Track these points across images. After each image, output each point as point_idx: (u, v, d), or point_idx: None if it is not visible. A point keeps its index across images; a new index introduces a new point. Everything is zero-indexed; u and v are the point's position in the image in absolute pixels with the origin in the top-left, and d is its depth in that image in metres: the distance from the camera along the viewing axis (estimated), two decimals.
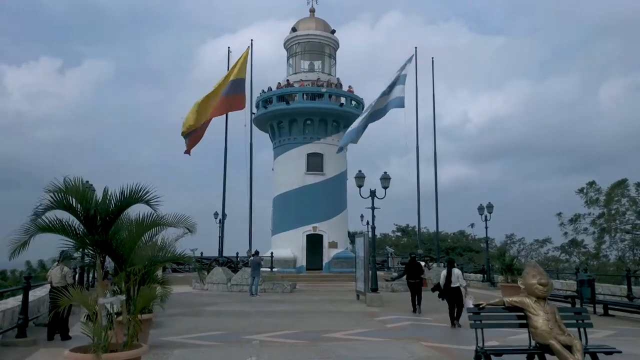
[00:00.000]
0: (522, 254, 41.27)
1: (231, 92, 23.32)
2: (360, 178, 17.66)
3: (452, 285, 12.16)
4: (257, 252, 22.27)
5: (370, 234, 18.59)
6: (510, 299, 7.47)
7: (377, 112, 23.39)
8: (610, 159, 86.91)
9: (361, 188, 17.65)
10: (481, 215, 27.32)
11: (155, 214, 6.21)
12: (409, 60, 25.46)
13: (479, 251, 48.48)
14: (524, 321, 7.29)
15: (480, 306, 7.56)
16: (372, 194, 17.51)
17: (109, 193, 5.96)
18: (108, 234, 5.80)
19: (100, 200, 5.66)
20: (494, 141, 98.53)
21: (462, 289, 12.25)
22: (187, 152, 23.77)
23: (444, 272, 12.56)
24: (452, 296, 12.17)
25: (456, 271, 12.43)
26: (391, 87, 23.98)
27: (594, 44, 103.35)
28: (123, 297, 5.90)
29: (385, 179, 17.92)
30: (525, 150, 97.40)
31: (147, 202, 5.99)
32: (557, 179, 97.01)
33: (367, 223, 42.53)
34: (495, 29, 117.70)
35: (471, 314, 7.46)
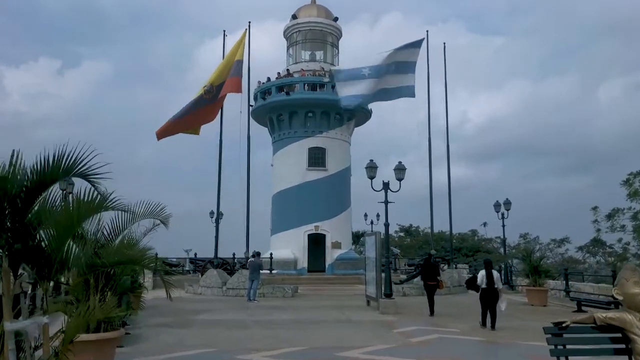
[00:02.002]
0: (538, 254, 39.01)
1: (230, 75, 21.34)
2: (371, 168, 15.59)
3: (495, 286, 11.73)
4: (257, 253, 20.18)
5: (382, 232, 16.49)
6: (605, 315, 5.39)
7: (385, 92, 21.27)
8: (610, 159, 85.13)
9: (373, 180, 15.60)
10: (497, 212, 25.26)
11: (98, 195, 4.12)
12: (418, 43, 23.19)
13: (490, 251, 46.40)
14: (623, 345, 5.26)
15: (563, 325, 5.48)
16: (386, 186, 15.45)
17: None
18: (23, 223, 3.74)
19: (7, 173, 3.59)
20: (494, 141, 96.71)
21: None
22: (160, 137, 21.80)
23: (482, 273, 11.93)
24: (492, 298, 11.70)
25: (495, 273, 12.00)
26: (399, 68, 21.85)
27: (593, 44, 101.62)
28: (44, 319, 3.81)
29: (400, 170, 15.85)
30: (524, 151, 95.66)
31: (85, 176, 3.94)
32: (557, 179, 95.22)
33: (372, 222, 40.59)
34: (494, 29, 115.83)
35: (550, 335, 5.44)
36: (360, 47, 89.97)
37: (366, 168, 15.71)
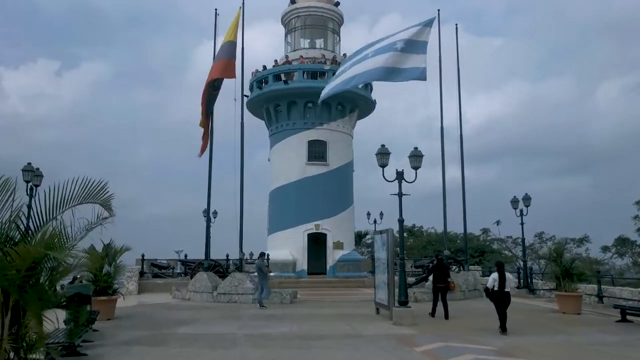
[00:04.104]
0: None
1: (221, 57, 19.13)
2: (383, 155, 13.37)
3: (505, 290, 11.39)
4: (261, 254, 17.98)
5: (394, 230, 14.29)
6: None
7: (389, 72, 18.95)
8: (608, 160, 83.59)
9: (384, 168, 13.39)
10: (515, 209, 23.04)
11: None
12: (429, 23, 20.80)
13: (497, 252, 44.23)
14: None
15: None
16: (399, 176, 13.25)
17: None
18: None
19: None
20: (492, 142, 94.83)
21: None
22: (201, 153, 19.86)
23: (494, 275, 11.49)
24: (504, 301, 11.38)
25: (509, 275, 11.71)
26: (407, 47, 19.55)
27: (591, 44, 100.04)
28: None
29: (416, 157, 13.64)
30: (522, 151, 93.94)
31: None
32: (555, 179, 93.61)
33: (375, 221, 38.36)
34: (492, 30, 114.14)
35: None
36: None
37: (377, 154, 13.47)
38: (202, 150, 19.64)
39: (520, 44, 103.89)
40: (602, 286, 17.68)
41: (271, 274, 25.47)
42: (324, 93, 19.59)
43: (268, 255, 26.11)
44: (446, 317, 13.57)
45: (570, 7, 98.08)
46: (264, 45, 65.04)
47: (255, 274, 18.14)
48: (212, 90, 19.13)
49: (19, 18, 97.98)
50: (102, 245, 13.44)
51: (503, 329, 11.20)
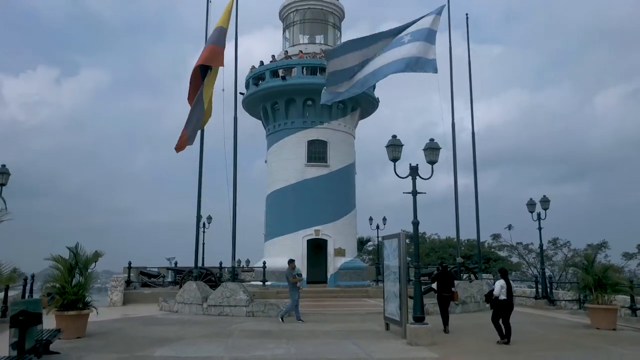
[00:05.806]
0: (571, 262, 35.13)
1: (210, 42, 17.44)
2: (395, 147, 11.58)
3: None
4: (290, 261, 15.84)
5: (404, 235, 12.53)
6: None
7: (397, 63, 17.23)
8: (605, 166, 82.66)
9: (396, 163, 11.61)
10: (532, 212, 21.30)
11: None
12: (438, 11, 19.04)
13: (504, 259, 42.46)
14: None
15: None
16: (413, 171, 11.47)
17: None
18: None
19: None
20: (491, 150, 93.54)
21: None
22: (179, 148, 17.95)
23: (501, 283, 11.01)
24: (510, 310, 10.95)
25: (512, 283, 11.54)
26: (413, 38, 17.87)
27: (589, 52, 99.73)
28: None
29: (433, 150, 11.88)
30: (521, 159, 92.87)
31: None
32: (554, 187, 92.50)
33: (377, 227, 36.53)
34: (491, 38, 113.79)
35: None
36: None
37: (387, 147, 11.71)
38: (182, 145, 17.64)
39: (518, 52, 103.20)
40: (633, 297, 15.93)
41: (268, 283, 23.67)
42: (330, 97, 17.70)
43: (265, 262, 24.28)
44: (445, 327, 12.59)
45: (567, 15, 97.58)
46: (263, 49, 63.59)
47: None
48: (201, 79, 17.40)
49: (19, 26, 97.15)
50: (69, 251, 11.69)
51: (503, 338, 10.83)
